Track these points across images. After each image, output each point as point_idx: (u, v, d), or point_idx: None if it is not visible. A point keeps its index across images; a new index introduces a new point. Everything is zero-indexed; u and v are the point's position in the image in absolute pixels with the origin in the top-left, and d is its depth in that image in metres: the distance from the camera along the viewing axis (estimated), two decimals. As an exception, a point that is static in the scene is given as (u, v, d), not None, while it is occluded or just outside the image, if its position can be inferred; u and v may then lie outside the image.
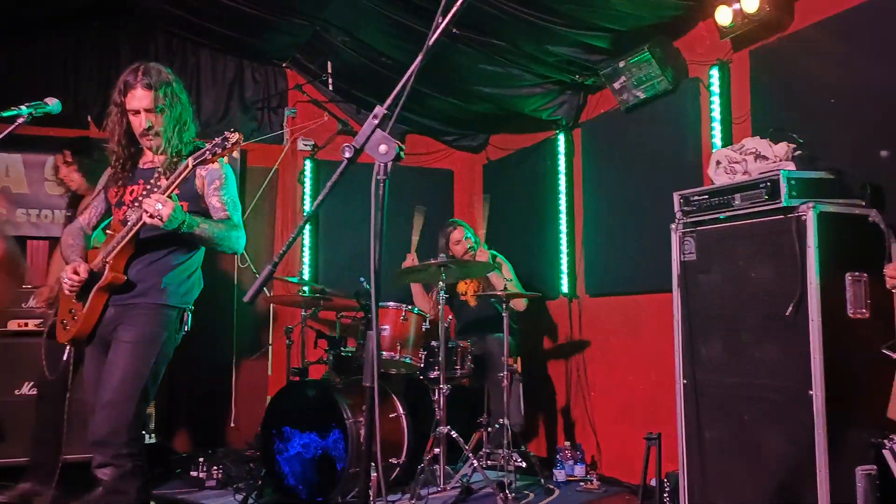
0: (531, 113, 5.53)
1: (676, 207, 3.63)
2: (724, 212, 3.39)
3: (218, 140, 2.71)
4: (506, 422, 4.41)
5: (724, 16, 3.88)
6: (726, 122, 4.14)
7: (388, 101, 1.66)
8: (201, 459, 4.79)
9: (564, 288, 5.43)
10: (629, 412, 4.84)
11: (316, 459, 4.20)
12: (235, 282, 6.04)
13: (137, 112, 2.89)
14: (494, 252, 5.24)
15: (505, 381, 4.49)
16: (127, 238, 2.81)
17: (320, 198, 1.74)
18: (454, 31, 4.51)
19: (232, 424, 5.96)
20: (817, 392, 2.95)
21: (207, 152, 2.72)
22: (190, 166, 2.74)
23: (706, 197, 3.49)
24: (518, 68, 4.98)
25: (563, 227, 5.46)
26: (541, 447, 5.56)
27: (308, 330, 4.82)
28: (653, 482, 3.84)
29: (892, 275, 2.14)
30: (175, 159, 2.91)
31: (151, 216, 2.65)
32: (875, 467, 2.98)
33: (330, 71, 5.79)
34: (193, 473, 4.75)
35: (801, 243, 3.03)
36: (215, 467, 4.71)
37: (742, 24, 3.82)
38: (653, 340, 4.61)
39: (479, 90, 5.42)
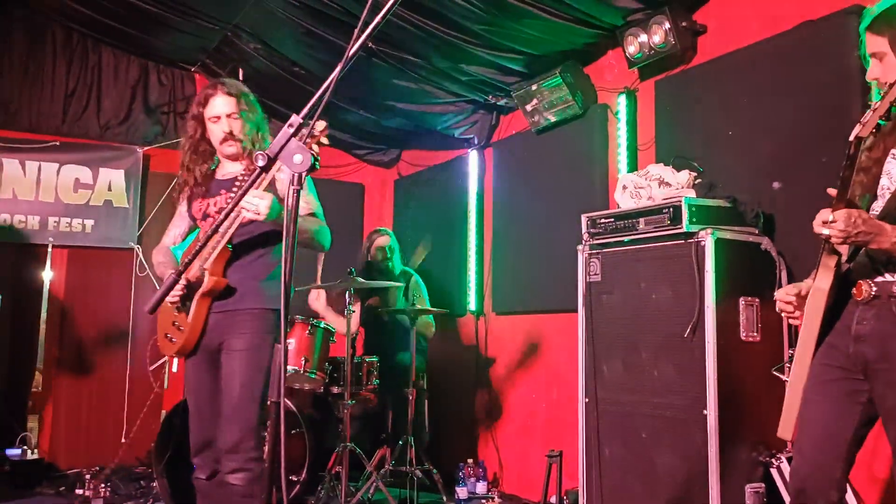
0: (444, 130, 5.56)
1: (584, 229, 3.71)
2: (629, 235, 3.49)
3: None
4: (410, 439, 4.38)
5: (632, 46, 4.01)
6: (632, 149, 4.28)
7: (305, 111, 1.63)
8: (87, 476, 4.55)
9: (472, 305, 5.46)
10: (531, 430, 4.89)
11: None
12: (133, 289, 5.78)
13: (218, 118, 2.92)
14: (410, 270, 5.22)
15: (411, 397, 4.47)
16: (223, 243, 2.81)
17: (230, 207, 1.68)
18: (370, 44, 4.49)
19: (123, 440, 5.68)
20: (711, 411, 3.05)
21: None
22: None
23: (612, 220, 3.58)
24: (432, 85, 5.00)
25: (473, 245, 5.50)
26: (444, 464, 5.54)
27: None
28: (553, 499, 3.90)
29: (781, 299, 2.25)
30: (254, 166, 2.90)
31: (250, 211, 2.65)
32: (763, 485, 3.12)
33: (241, 78, 5.66)
34: (79, 491, 4.51)
35: (699, 267, 3.15)
36: (102, 485, 4.48)
37: (649, 55, 3.95)
38: (555, 359, 4.69)
39: (392, 105, 5.41)
